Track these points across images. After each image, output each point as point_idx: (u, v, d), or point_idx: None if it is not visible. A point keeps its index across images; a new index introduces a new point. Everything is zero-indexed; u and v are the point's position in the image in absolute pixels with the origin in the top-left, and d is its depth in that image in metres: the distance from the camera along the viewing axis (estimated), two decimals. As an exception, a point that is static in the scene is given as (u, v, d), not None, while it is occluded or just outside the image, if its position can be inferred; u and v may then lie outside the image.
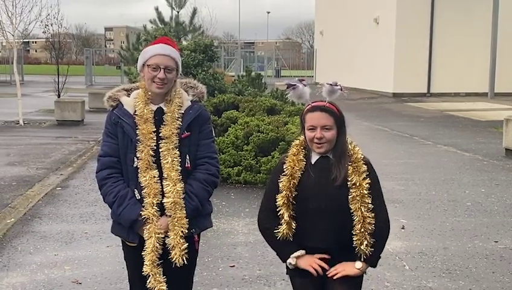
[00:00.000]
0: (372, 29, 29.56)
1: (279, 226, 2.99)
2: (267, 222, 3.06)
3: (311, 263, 3.00)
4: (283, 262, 3.10)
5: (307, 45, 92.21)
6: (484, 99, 25.08)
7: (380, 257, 3.07)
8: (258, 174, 8.69)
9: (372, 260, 3.02)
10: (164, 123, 3.16)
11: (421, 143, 13.44)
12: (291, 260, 3.03)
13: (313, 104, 2.99)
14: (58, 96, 19.92)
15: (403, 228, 6.71)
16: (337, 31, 35.76)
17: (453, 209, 7.58)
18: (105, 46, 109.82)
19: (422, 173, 9.86)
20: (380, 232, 2.99)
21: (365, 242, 2.94)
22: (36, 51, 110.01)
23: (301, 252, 3.02)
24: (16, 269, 5.36)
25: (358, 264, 2.99)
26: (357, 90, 27.30)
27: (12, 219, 6.99)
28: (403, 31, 26.91)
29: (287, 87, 3.08)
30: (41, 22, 18.87)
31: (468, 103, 23.66)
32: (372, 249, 2.97)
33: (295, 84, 3.06)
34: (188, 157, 3.19)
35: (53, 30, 20.50)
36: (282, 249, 3.07)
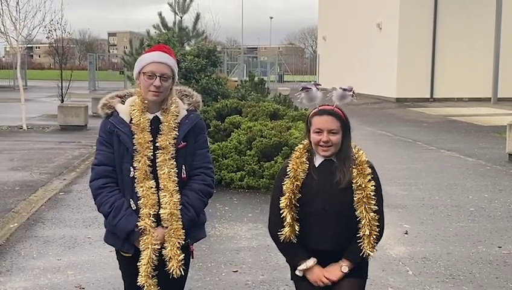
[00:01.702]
0: (375, 35, 29.60)
1: (281, 229, 3.00)
2: (278, 228, 3.04)
3: (319, 278, 3.02)
4: (293, 268, 3.10)
5: (309, 50, 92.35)
6: (487, 104, 25.07)
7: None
8: (261, 179, 8.68)
9: (357, 261, 3.01)
10: (161, 133, 3.13)
11: (424, 148, 13.43)
12: (298, 273, 3.05)
13: (320, 108, 3.01)
14: (62, 101, 19.97)
15: (406, 233, 6.69)
16: (340, 36, 35.81)
17: (456, 214, 7.57)
18: (109, 51, 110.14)
19: (426, 178, 9.85)
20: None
21: (375, 245, 2.97)
22: (40, 56, 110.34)
23: (312, 261, 3.02)
24: (19, 274, 5.37)
25: (345, 268, 3.01)
26: (360, 95, 26.79)
27: (16, 224, 6.99)
28: (406, 36, 26.93)
29: (301, 90, 3.09)
30: (45, 27, 18.94)
31: (471, 108, 23.65)
32: (376, 251, 3.00)
33: (310, 88, 3.07)
34: (184, 167, 3.17)
35: (56, 35, 20.59)
36: (293, 256, 3.08)
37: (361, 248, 2.95)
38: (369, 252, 2.95)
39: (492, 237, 6.57)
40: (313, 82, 3.19)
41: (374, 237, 2.95)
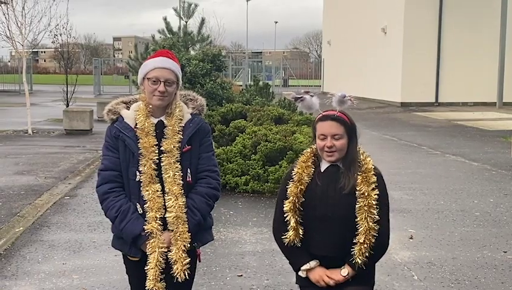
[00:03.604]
0: (380, 39, 29.58)
1: (286, 233, 2.99)
2: (281, 231, 3.04)
3: (321, 277, 3.00)
4: (295, 271, 3.10)
5: (314, 55, 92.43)
6: (492, 108, 25.02)
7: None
8: (266, 184, 8.69)
9: (361, 269, 2.98)
10: (165, 137, 3.16)
11: (429, 153, 13.40)
12: (301, 273, 3.04)
13: (323, 113, 3.01)
14: (67, 105, 20.04)
15: (411, 237, 6.68)
16: (345, 41, 35.82)
17: (461, 219, 7.55)
18: (114, 55, 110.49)
19: (431, 183, 9.83)
20: (379, 247, 2.97)
21: (366, 254, 2.93)
22: (45, 61, 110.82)
23: (314, 263, 3.01)
24: (24, 278, 5.38)
25: (345, 272, 2.99)
26: (365, 99, 27.28)
27: (21, 228, 7.01)
28: (411, 40, 26.91)
29: (295, 100, 3.09)
30: (51, 32, 19.04)
31: (476, 112, 23.59)
32: (366, 260, 2.95)
33: (302, 96, 3.07)
34: (189, 171, 3.19)
35: (62, 40, 20.69)
36: (295, 259, 3.07)
37: (352, 254, 2.93)
38: (358, 260, 2.92)
39: (497, 242, 6.55)
40: (303, 90, 3.18)
41: (366, 245, 2.91)
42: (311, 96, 3.07)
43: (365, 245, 2.91)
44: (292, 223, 2.97)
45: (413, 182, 9.94)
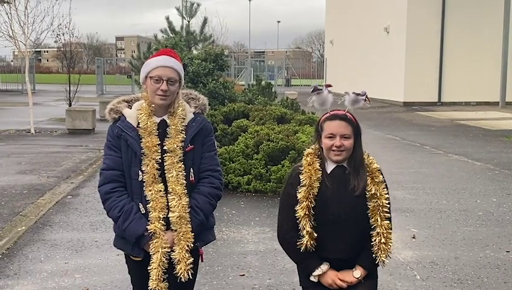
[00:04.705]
0: (383, 38, 29.57)
1: (301, 239, 2.94)
2: (289, 236, 2.99)
3: (333, 281, 2.99)
4: (306, 276, 3.07)
5: (317, 54, 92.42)
6: (495, 108, 24.98)
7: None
8: (268, 183, 8.68)
9: (372, 269, 3.02)
10: (168, 136, 3.14)
11: (432, 152, 13.38)
12: (313, 279, 3.01)
13: (332, 113, 2.98)
14: (70, 105, 20.05)
15: (413, 237, 6.67)
16: (347, 40, 35.81)
17: (464, 218, 7.54)
18: (116, 55, 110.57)
19: (433, 182, 9.82)
20: None
21: (389, 251, 2.95)
22: (48, 60, 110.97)
23: (326, 266, 3.00)
24: (26, 277, 5.38)
25: (357, 273, 3.00)
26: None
27: (23, 227, 7.02)
28: (414, 40, 26.89)
29: (312, 91, 3.06)
30: (53, 31, 19.00)
31: (479, 112, 23.56)
32: (390, 258, 3.00)
33: (321, 89, 3.04)
34: (192, 170, 3.18)
35: (64, 39, 20.67)
36: (305, 264, 3.03)
37: (375, 255, 2.94)
38: (384, 259, 2.95)
39: (500, 242, 6.54)
40: (324, 84, 3.16)
41: (390, 245, 2.94)
42: (329, 92, 3.05)
43: (389, 245, 2.94)
44: (307, 228, 2.91)
45: (416, 181, 9.93)
